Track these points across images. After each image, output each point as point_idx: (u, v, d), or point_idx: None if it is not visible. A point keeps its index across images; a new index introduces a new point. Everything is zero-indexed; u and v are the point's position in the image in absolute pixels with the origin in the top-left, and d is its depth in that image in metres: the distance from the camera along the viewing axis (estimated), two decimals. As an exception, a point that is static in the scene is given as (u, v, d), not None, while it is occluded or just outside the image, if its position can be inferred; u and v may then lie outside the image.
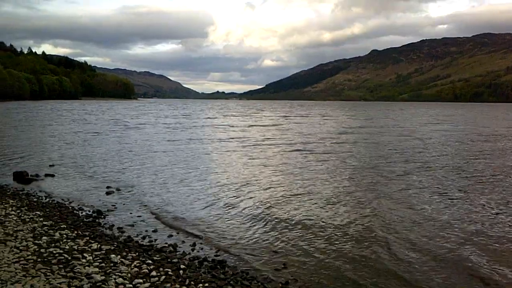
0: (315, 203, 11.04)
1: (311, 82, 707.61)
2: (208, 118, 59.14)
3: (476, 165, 17.41)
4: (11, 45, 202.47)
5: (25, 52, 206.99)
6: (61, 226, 8.56)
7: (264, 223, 9.40)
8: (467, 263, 7.15)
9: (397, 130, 37.79)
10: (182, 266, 6.64)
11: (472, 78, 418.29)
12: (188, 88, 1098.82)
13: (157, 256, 7.13)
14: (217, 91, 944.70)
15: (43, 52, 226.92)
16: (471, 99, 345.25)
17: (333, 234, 8.62)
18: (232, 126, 41.89)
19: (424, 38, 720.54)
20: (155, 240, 8.24)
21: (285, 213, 10.14)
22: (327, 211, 10.29)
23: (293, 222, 9.44)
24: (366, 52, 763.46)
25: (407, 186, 13.18)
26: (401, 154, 20.80)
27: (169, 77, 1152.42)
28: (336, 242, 8.16)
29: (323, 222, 9.44)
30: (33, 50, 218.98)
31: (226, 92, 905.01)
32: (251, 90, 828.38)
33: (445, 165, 17.30)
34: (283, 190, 12.59)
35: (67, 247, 7.20)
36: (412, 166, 16.98)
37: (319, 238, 8.41)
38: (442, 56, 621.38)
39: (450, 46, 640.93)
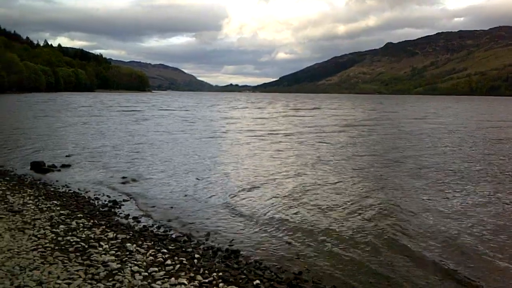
0: (329, 196, 11.05)
1: (325, 75, 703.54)
2: (219, 111, 59.23)
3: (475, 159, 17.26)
4: (27, 38, 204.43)
5: (41, 44, 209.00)
6: (78, 215, 8.70)
7: (278, 214, 9.43)
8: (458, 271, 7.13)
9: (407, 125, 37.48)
10: (196, 256, 6.72)
11: (489, 72, 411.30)
12: (202, 81, 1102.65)
13: (172, 245, 7.22)
14: (231, 84, 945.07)
15: (59, 45, 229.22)
16: (487, 92, 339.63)
17: (346, 226, 8.62)
18: (244, 118, 41.92)
19: (440, 31, 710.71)
20: (170, 229, 8.33)
21: (298, 204, 10.17)
22: (341, 204, 10.28)
23: (306, 213, 9.47)
24: (381, 45, 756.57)
25: (417, 179, 13.13)
26: (411, 147, 20.68)
27: (183, 69, 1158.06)
28: (349, 234, 8.16)
29: (336, 214, 9.46)
30: (49, 43, 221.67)
31: (239, 84, 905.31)
32: (265, 83, 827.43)
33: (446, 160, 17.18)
34: (296, 182, 12.61)
35: (84, 235, 7.33)
36: (423, 160, 16.89)
37: (331, 229, 8.43)
38: (458, 49, 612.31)
39: (467, 39, 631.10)
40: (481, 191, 11.58)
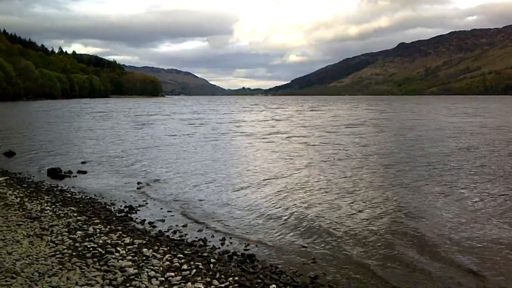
0: (343, 198, 11.01)
1: (337, 77, 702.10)
2: (232, 114, 59.35)
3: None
4: (42, 45, 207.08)
5: (56, 51, 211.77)
6: (95, 221, 8.79)
7: (292, 218, 9.43)
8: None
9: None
10: (212, 260, 6.74)
11: (504, 70, 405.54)
12: (214, 85, 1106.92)
13: (188, 250, 7.25)
14: (243, 87, 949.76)
15: (74, 52, 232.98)
16: (502, 91, 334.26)
17: (362, 229, 8.58)
18: (256, 120, 41.94)
19: (453, 30, 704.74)
20: (186, 234, 8.36)
21: (313, 208, 10.15)
22: (355, 206, 10.24)
23: (321, 216, 9.45)
24: (394, 45, 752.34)
25: (431, 180, 13.03)
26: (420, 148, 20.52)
27: (195, 74, 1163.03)
28: (365, 238, 8.13)
29: (351, 216, 9.42)
30: (64, 50, 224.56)
31: (251, 88, 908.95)
32: (276, 86, 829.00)
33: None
34: (310, 185, 12.58)
35: (101, 241, 7.40)
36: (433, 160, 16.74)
37: (347, 233, 8.39)
38: (472, 48, 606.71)
39: (480, 37, 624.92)
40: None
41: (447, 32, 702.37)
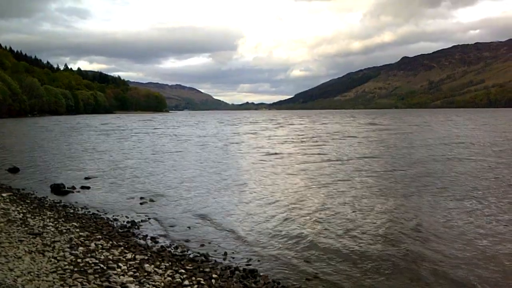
0: (347, 213, 10.95)
1: (341, 91, 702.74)
2: (236, 127, 59.44)
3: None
4: (47, 62, 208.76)
5: (61, 68, 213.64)
6: (97, 237, 8.77)
7: (295, 233, 9.38)
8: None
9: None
10: (214, 276, 6.70)
11: (507, 83, 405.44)
12: (218, 100, 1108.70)
13: (190, 265, 7.21)
14: (247, 102, 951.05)
15: (79, 68, 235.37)
16: (507, 104, 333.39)
17: (365, 245, 8.53)
18: (258, 135, 41.90)
19: (456, 44, 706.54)
20: (188, 249, 8.34)
21: (316, 223, 10.10)
22: (359, 222, 10.18)
23: (325, 232, 9.40)
24: (397, 60, 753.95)
25: (446, 198, 12.96)
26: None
27: (200, 89, 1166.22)
28: (369, 253, 8.07)
29: (355, 232, 9.36)
30: (69, 66, 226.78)
31: (255, 102, 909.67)
32: (280, 101, 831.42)
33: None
34: (314, 200, 12.54)
35: (103, 257, 7.37)
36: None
37: (351, 248, 8.34)
38: (475, 61, 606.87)
39: (483, 51, 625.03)
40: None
41: (450, 46, 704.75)
